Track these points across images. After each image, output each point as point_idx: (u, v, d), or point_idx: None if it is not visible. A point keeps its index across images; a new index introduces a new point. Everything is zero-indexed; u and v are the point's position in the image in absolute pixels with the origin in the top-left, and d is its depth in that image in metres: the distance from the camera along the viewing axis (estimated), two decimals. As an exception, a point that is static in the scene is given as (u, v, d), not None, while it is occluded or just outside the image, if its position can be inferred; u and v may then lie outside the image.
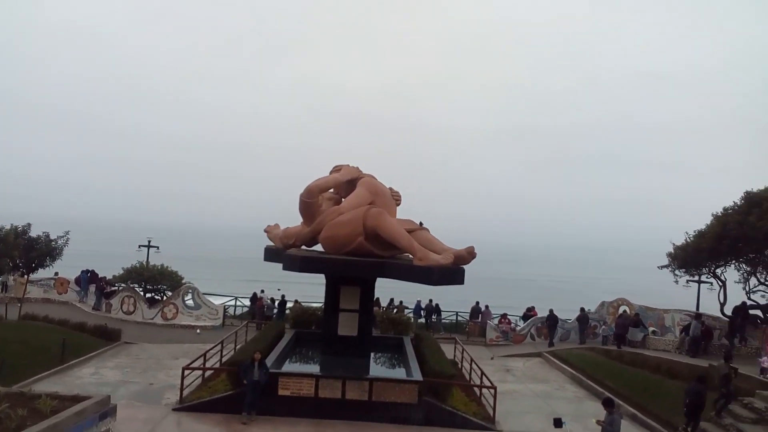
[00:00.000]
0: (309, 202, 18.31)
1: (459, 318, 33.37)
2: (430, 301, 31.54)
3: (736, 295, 23.97)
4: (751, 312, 23.04)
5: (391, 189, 19.73)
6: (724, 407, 15.06)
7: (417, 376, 16.27)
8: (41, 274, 27.51)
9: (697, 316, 23.43)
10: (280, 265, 18.80)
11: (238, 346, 20.79)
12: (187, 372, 16.39)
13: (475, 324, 30.87)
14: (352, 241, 17.48)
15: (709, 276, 26.00)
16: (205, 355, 17.76)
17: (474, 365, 19.10)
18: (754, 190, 22.89)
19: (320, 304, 23.46)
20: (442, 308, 32.07)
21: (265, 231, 21.78)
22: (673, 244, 25.79)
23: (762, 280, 23.62)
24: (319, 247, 19.33)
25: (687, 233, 25.23)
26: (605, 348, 25.28)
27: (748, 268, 23.90)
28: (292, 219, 19.95)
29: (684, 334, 23.60)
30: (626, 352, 23.50)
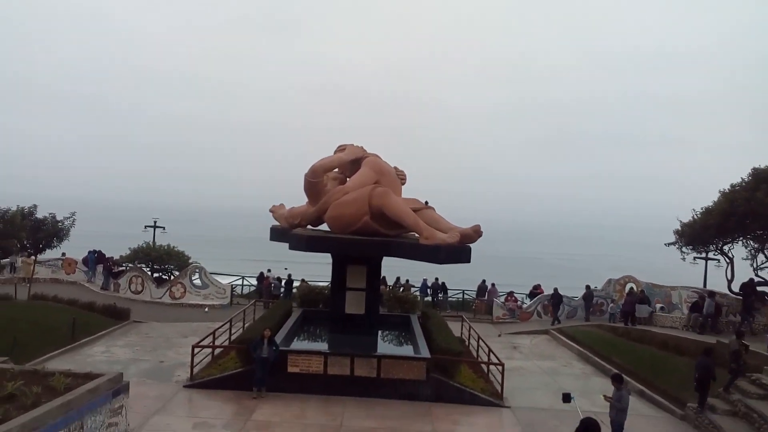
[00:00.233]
0: (314, 182, 18.26)
1: (465, 296, 33.46)
2: (436, 279, 31.62)
3: (744, 272, 23.89)
4: (759, 289, 22.98)
5: (396, 168, 19.64)
6: (732, 383, 15.11)
7: (425, 353, 16.36)
8: (49, 254, 27.64)
9: (711, 293, 23.28)
10: (287, 245, 18.86)
11: (246, 325, 20.93)
12: (196, 350, 16.52)
13: (482, 302, 30.95)
14: (357, 220, 17.47)
15: (716, 253, 25.87)
16: (214, 333, 17.89)
17: (481, 342, 19.18)
18: (762, 166, 22.68)
19: (327, 283, 23.59)
20: (448, 286, 32.13)
21: (271, 211, 21.77)
22: (680, 221, 25.66)
23: (770, 257, 23.49)
24: (324, 227, 19.35)
25: (694, 210, 25.07)
26: (612, 325, 25.32)
27: (756, 245, 23.75)
28: (297, 199, 19.96)
29: (691, 312, 23.59)
30: (633, 329, 23.54)
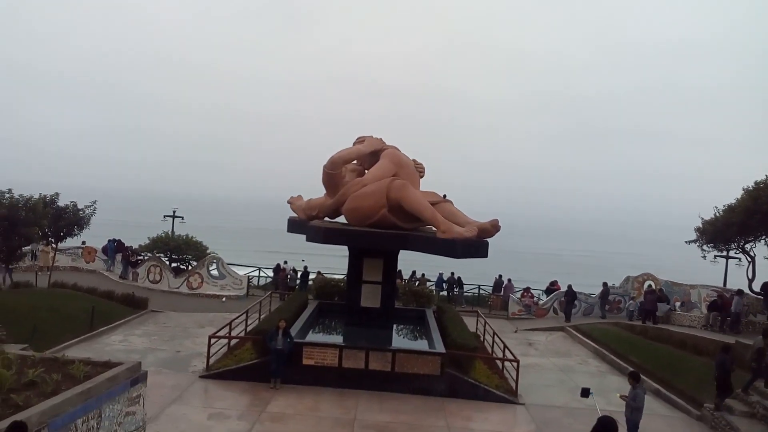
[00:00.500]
0: (332, 174, 18.25)
1: (481, 291, 33.34)
2: (452, 273, 31.51)
3: (765, 271, 23.51)
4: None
5: (414, 161, 19.57)
6: (751, 383, 14.85)
7: (440, 348, 16.32)
8: (69, 243, 28.01)
9: (739, 292, 22.83)
10: (303, 237, 18.90)
11: (262, 316, 21.05)
12: (213, 340, 16.65)
13: (498, 297, 30.83)
14: (375, 213, 17.45)
15: (737, 251, 25.50)
16: (230, 324, 18.01)
17: (496, 338, 19.10)
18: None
19: (343, 276, 23.62)
20: (464, 281, 32.04)
21: (289, 202, 21.85)
22: (702, 219, 25.31)
23: (793, 256, 23.11)
24: (342, 219, 19.35)
25: (716, 207, 24.71)
26: (629, 323, 25.08)
27: (779, 244, 23.39)
28: (315, 190, 19.99)
29: (710, 311, 23.25)
30: (651, 328, 23.29)
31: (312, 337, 17.95)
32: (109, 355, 15.71)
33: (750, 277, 24.11)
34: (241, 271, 32.10)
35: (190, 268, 30.45)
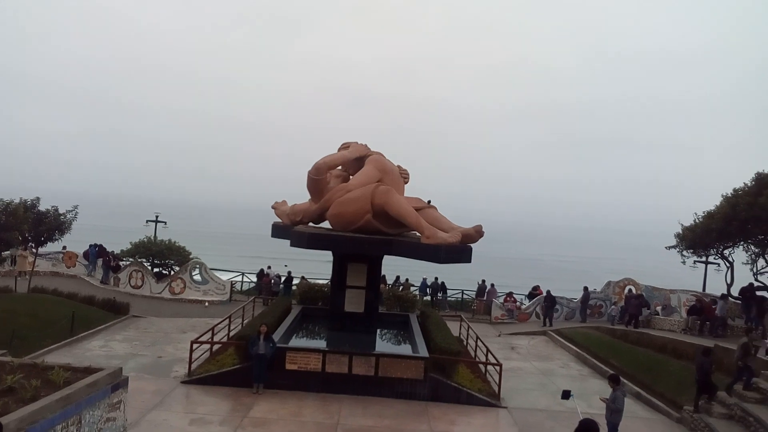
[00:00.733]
0: (317, 179, 18.28)
1: (464, 296, 33.47)
2: (436, 278, 31.64)
3: (743, 277, 23.89)
4: (758, 294, 22.95)
5: (399, 167, 19.68)
6: (736, 381, 14.98)
7: (423, 352, 16.37)
8: (49, 248, 27.66)
9: (723, 296, 23.15)
10: (287, 242, 18.88)
11: (245, 321, 20.96)
12: (195, 346, 16.53)
13: (481, 302, 30.99)
14: (359, 219, 17.51)
15: (716, 257, 25.89)
16: (213, 329, 17.92)
17: (479, 342, 19.21)
18: (766, 171, 22.67)
19: (326, 281, 23.61)
20: (447, 286, 32.16)
21: (273, 207, 21.82)
22: (682, 225, 25.68)
23: (770, 262, 23.48)
24: (326, 224, 19.37)
25: (696, 214, 25.10)
26: (610, 327, 25.35)
27: (757, 250, 23.77)
28: (299, 196, 19.99)
29: (689, 315, 23.56)
30: (631, 332, 23.56)
31: (295, 341, 17.92)
32: (90, 360, 15.54)
33: (728, 282, 24.49)
34: (225, 276, 31.95)
35: (172, 273, 30.22)
